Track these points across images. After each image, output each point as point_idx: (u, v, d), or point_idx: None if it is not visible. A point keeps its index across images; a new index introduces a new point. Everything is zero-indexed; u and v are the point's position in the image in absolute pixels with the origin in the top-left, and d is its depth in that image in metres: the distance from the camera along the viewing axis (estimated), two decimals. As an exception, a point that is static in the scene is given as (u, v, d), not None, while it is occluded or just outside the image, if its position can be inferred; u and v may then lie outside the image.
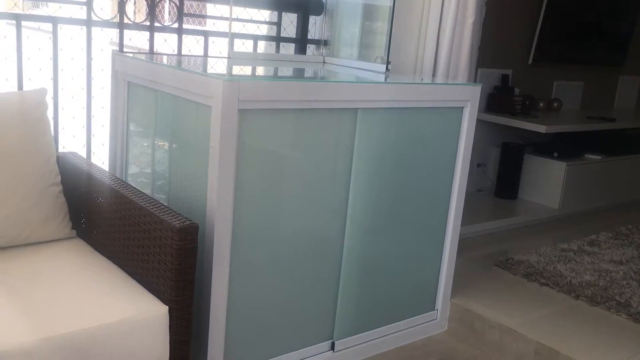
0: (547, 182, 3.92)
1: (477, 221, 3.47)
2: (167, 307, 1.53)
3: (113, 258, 1.76)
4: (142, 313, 1.49)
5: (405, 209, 2.28)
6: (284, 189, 1.91)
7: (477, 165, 4.10)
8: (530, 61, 4.19)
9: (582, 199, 4.03)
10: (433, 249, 2.45)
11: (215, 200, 1.72)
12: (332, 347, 2.20)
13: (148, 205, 1.63)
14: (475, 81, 3.87)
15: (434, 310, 2.52)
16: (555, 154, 3.96)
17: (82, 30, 2.22)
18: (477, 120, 3.92)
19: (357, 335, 2.26)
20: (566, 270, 2.95)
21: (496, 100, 3.94)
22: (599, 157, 4.10)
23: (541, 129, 3.60)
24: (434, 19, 2.78)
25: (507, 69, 4.07)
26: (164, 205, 1.65)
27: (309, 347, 2.13)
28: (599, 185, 4.13)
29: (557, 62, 4.37)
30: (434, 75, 2.81)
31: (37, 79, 2.19)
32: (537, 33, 4.13)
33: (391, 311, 2.36)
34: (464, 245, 3.21)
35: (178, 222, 1.51)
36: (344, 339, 2.22)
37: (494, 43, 3.85)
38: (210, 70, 2.09)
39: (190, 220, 1.53)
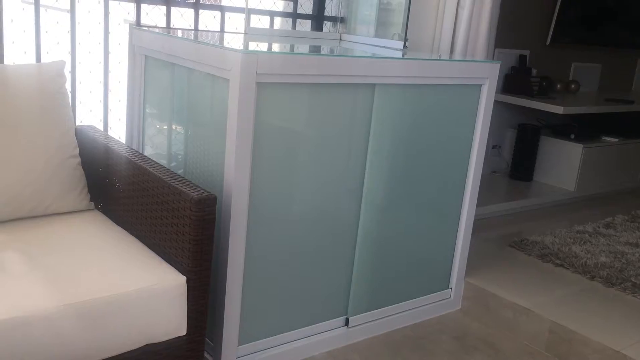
0: (564, 164, 3.89)
1: (492, 202, 3.45)
2: (184, 277, 1.54)
3: (131, 230, 1.77)
4: (160, 282, 1.50)
5: (420, 187, 2.27)
6: (301, 164, 1.91)
7: (492, 147, 4.07)
8: (548, 42, 4.14)
9: (598, 181, 4.00)
10: (448, 228, 2.44)
11: (233, 173, 1.72)
12: (347, 323, 2.21)
13: (166, 177, 1.64)
14: (492, 61, 3.84)
15: (448, 288, 2.53)
16: (572, 136, 3.92)
17: (99, 4, 2.22)
18: (494, 101, 3.91)
19: (371, 312, 2.27)
20: (581, 251, 2.93)
21: (513, 81, 3.90)
22: (616, 140, 4.05)
23: (558, 110, 3.56)
24: (452, -3, 2.75)
25: (524, 49, 4.02)
26: (182, 177, 1.66)
27: (324, 322, 2.15)
28: (615, 168, 4.09)
29: (575, 44, 4.31)
30: (451, 53, 2.79)
31: (55, 53, 2.19)
32: (555, 14, 4.07)
33: (405, 289, 2.37)
34: (479, 225, 3.20)
35: (196, 193, 1.52)
36: (358, 315, 2.23)
37: (512, 23, 3.81)
38: (230, 45, 2.09)
39: (208, 192, 1.54)
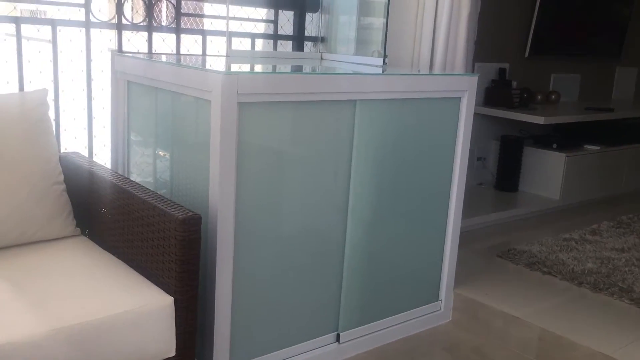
0: (547, 173, 3.94)
1: (479, 214, 3.48)
2: (172, 298, 1.55)
3: (118, 253, 1.78)
4: (148, 304, 1.51)
5: (405, 201, 2.30)
6: (285, 181, 1.93)
7: (477, 159, 4.12)
8: (527, 54, 4.21)
9: (582, 189, 4.04)
10: (434, 240, 2.46)
11: (217, 193, 1.74)
12: (338, 339, 2.21)
13: (151, 198, 1.65)
14: (472, 75, 3.90)
15: (437, 301, 2.54)
16: (555, 146, 3.97)
17: (81, 32, 2.24)
18: (476, 114, 3.94)
19: (362, 327, 2.27)
20: (568, 258, 2.96)
21: (494, 94, 3.96)
22: (597, 148, 4.11)
23: (539, 120, 3.61)
24: (429, 12, 2.80)
25: (504, 62, 4.09)
26: (167, 199, 1.67)
27: (315, 339, 2.15)
28: (599, 176, 4.14)
29: (553, 55, 4.39)
30: (431, 67, 2.83)
31: (37, 82, 2.21)
32: (532, 26, 4.15)
33: (395, 302, 2.38)
34: (466, 237, 3.23)
35: (181, 213, 1.53)
36: (349, 331, 2.23)
37: (490, 37, 3.88)
38: (208, 67, 2.11)
39: (192, 212, 1.55)
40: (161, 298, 1.54)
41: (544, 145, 4.02)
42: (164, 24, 2.42)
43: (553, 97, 4.38)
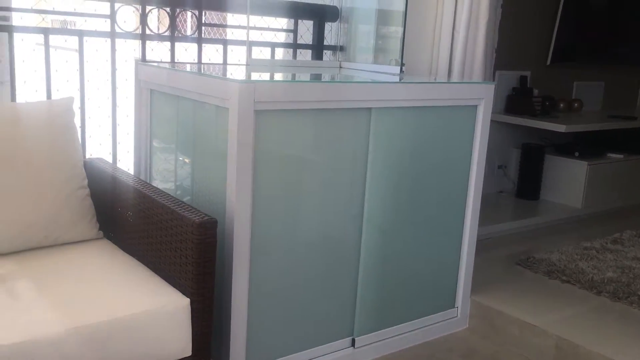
0: (569, 182, 3.92)
1: (499, 222, 3.48)
2: (188, 299, 1.60)
3: (138, 256, 1.84)
4: (165, 305, 1.56)
5: (421, 208, 2.32)
6: (301, 187, 1.97)
7: (497, 167, 4.11)
8: (548, 62, 4.20)
9: (604, 198, 4.01)
10: (451, 247, 2.48)
11: (234, 197, 1.78)
12: (353, 344, 2.24)
13: (169, 203, 1.70)
14: (493, 83, 3.90)
15: (454, 307, 2.55)
16: (577, 154, 3.95)
17: (106, 43, 2.32)
18: (497, 122, 3.96)
19: (377, 332, 2.30)
20: (588, 267, 2.94)
21: (515, 102, 3.95)
22: (620, 156, 4.08)
23: (561, 128, 3.60)
24: (447, 21, 2.83)
25: (525, 70, 4.08)
26: (184, 203, 1.73)
27: (330, 343, 2.18)
28: (621, 184, 4.10)
29: (576, 63, 4.37)
30: (449, 76, 2.86)
31: (64, 90, 2.29)
32: (554, 34, 4.14)
33: (411, 309, 2.40)
34: (486, 245, 3.23)
35: (198, 217, 1.58)
36: (364, 336, 2.26)
37: (511, 45, 3.88)
38: (231, 76, 2.17)
39: (209, 216, 1.60)
40: (178, 299, 1.59)
41: (566, 153, 4.00)
42: (189, 34, 2.49)
43: (576, 105, 4.35)
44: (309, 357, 2.13)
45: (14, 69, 2.18)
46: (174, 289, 1.63)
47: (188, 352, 1.60)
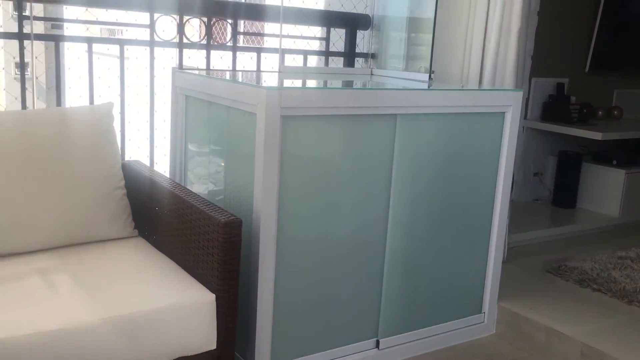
0: (606, 190, 3.86)
1: (533, 229, 3.46)
2: (214, 295, 1.68)
3: (169, 253, 1.93)
4: (192, 300, 1.64)
5: (447, 213, 2.35)
6: (327, 190, 2.03)
7: (533, 174, 4.09)
8: (587, 69, 4.16)
9: (643, 207, 3.94)
10: (477, 254, 2.49)
11: (261, 199, 1.86)
12: (377, 345, 2.28)
13: (198, 203, 1.79)
14: (529, 90, 3.90)
15: (480, 313, 2.56)
16: (614, 162, 3.89)
17: (145, 51, 2.44)
18: (533, 129, 3.95)
19: (401, 335, 2.33)
20: (621, 276, 2.91)
21: (551, 109, 3.93)
22: (660, 165, 4.00)
23: (597, 136, 3.56)
24: (479, 29, 2.85)
25: (563, 77, 4.05)
26: (212, 203, 1.81)
27: (355, 344, 2.23)
28: (660, 193, 4.02)
29: (615, 70, 4.30)
30: (480, 84, 2.87)
31: (106, 95, 2.41)
32: (593, 40, 4.10)
33: (436, 312, 2.42)
34: (520, 252, 3.22)
35: (224, 217, 1.66)
36: (389, 338, 2.30)
37: (548, 52, 3.86)
38: (262, 83, 2.27)
39: (234, 216, 1.68)
40: (204, 295, 1.67)
41: (604, 161, 3.94)
42: (229, 43, 2.58)
43: (615, 112, 4.29)
44: (333, 356, 2.18)
45: (60, 75, 2.32)
46: (201, 285, 1.72)
47: (213, 346, 1.68)
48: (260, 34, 2.81)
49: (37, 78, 2.31)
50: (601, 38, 4.11)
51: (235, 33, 2.61)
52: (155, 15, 2.42)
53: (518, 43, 2.84)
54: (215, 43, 2.58)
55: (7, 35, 2.22)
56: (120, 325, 1.52)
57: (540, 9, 3.66)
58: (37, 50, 2.23)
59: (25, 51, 2.19)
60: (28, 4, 2.17)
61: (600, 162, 3.95)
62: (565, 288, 2.81)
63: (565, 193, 3.98)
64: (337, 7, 3.03)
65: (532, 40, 3.81)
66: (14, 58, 2.25)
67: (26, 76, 2.26)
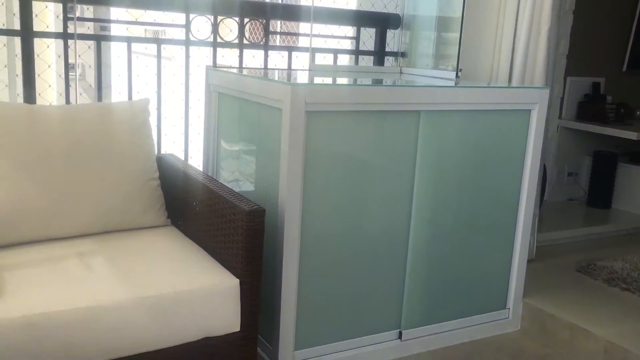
0: (642, 191, 3.82)
1: (567, 228, 3.45)
2: (238, 280, 1.77)
3: (198, 241, 2.03)
4: (217, 283, 1.74)
5: (471, 208, 2.39)
6: (350, 184, 2.10)
7: (567, 174, 4.06)
8: (624, 68, 4.11)
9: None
10: (502, 251, 2.52)
11: (285, 190, 1.95)
12: (400, 336, 2.34)
13: (226, 194, 1.89)
14: (564, 90, 3.88)
15: (505, 309, 2.59)
16: (651, 162, 3.84)
17: (181, 49, 2.56)
18: (567, 128, 3.93)
19: (424, 327, 2.38)
20: (652, 276, 2.89)
21: (586, 109, 3.90)
22: (699, 166, 3.92)
23: (632, 136, 3.53)
24: (508, 28, 2.87)
25: (599, 76, 4.02)
26: (239, 194, 1.90)
27: (377, 334, 2.29)
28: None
29: (654, 69, 4.24)
30: (509, 82, 2.89)
31: (144, 92, 2.54)
32: (631, 39, 4.04)
33: (460, 306, 2.46)
34: (551, 251, 3.22)
35: (247, 206, 1.75)
36: (412, 329, 2.35)
37: (584, 51, 3.84)
38: (292, 81, 2.36)
39: (257, 205, 1.77)
40: (229, 279, 1.76)
41: (640, 161, 3.90)
42: (261, 42, 2.68)
43: (654, 112, 4.22)
44: (357, 345, 2.25)
45: (100, 73, 2.45)
46: (226, 271, 1.81)
47: (237, 328, 1.77)
48: (291, 34, 2.90)
49: (79, 75, 2.45)
50: (639, 37, 4.05)
51: (267, 32, 2.70)
52: (191, 16, 2.53)
53: (548, 42, 2.85)
54: (248, 42, 2.67)
55: (54, 35, 2.36)
56: (151, 305, 1.63)
57: (575, 8, 3.65)
58: (83, 49, 2.37)
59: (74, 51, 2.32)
60: (76, 6, 2.31)
61: (636, 162, 3.91)
62: (594, 287, 2.80)
63: (600, 193, 3.95)
64: (368, 7, 3.10)
65: (567, 40, 3.80)
66: (59, 57, 2.39)
67: (77, 74, 2.40)
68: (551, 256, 3.16)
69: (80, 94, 2.43)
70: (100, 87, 2.44)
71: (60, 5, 2.30)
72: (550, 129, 3.90)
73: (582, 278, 2.91)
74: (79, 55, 2.40)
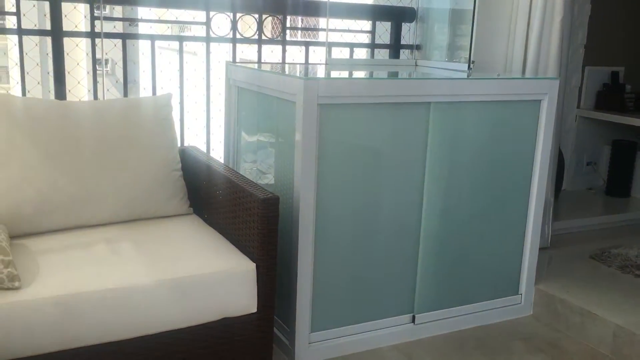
0: (661, 179, 3.83)
1: (584, 216, 3.49)
2: (254, 264, 1.88)
3: (218, 228, 2.15)
4: (235, 267, 1.85)
5: (482, 196, 2.46)
6: (363, 173, 2.19)
7: (586, 163, 4.09)
8: (644, 57, 4.10)
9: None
10: (514, 238, 2.59)
11: (300, 178, 2.05)
12: (413, 320, 2.42)
13: (243, 183, 2.00)
14: (582, 80, 3.91)
15: (517, 294, 2.66)
16: (670, 151, 3.85)
17: (202, 46, 2.67)
18: (586, 118, 3.95)
19: (437, 311, 2.47)
20: (666, 263, 2.92)
21: (605, 98, 3.92)
22: None
23: (650, 124, 3.54)
24: (522, 19, 2.91)
25: (618, 66, 4.02)
26: (255, 183, 2.01)
27: (391, 318, 2.38)
28: None
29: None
30: (523, 73, 2.94)
31: (167, 87, 2.66)
32: (650, 28, 4.04)
33: (472, 292, 2.54)
34: (568, 239, 3.27)
35: (262, 194, 1.86)
36: (424, 313, 2.44)
37: (602, 41, 3.85)
38: (305, 74, 2.45)
39: (272, 194, 1.87)
40: (246, 263, 1.88)
41: (659, 150, 3.90)
42: (282, 37, 2.77)
43: (675, 101, 4.20)
44: (371, 328, 2.34)
45: (126, 70, 2.58)
46: (244, 255, 1.92)
47: (254, 309, 1.88)
48: (308, 29, 2.98)
49: (108, 71, 2.57)
50: (659, 25, 4.04)
51: (284, 28, 2.79)
52: (211, 14, 2.64)
53: (561, 32, 2.89)
54: (266, 38, 2.77)
55: (83, 35, 2.50)
56: (174, 286, 1.75)
57: (592, -2, 3.67)
58: (110, 47, 2.50)
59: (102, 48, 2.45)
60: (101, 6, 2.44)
61: (655, 151, 3.91)
62: (607, 274, 2.85)
63: (619, 182, 3.96)
64: (383, 1, 3.17)
65: (585, 29, 3.82)
66: (87, 54, 2.52)
67: (104, 71, 2.52)
68: (567, 244, 3.20)
69: (108, 89, 2.56)
70: (126, 83, 2.57)
71: (88, 6, 2.43)
72: (568, 118, 3.93)
73: (595, 265, 2.95)
74: (106, 53, 2.52)
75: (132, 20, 2.52)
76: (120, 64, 2.59)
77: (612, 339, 2.36)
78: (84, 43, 2.55)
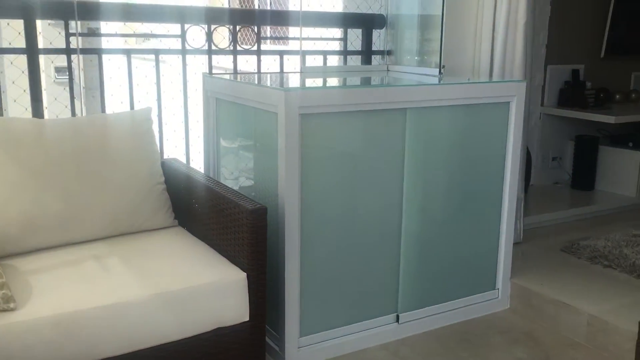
0: (623, 172, 3.99)
1: (552, 210, 3.62)
2: (245, 273, 1.92)
3: (205, 239, 2.18)
4: (226, 277, 1.89)
5: (458, 196, 2.55)
6: (344, 179, 2.25)
7: (552, 159, 4.23)
8: (602, 55, 4.27)
9: (660, 187, 4.04)
10: (489, 235, 2.68)
11: (284, 188, 2.09)
12: (397, 319, 2.49)
13: (229, 194, 2.04)
14: (544, 78, 4.04)
15: (494, 289, 2.75)
16: (630, 144, 4.01)
17: (178, 58, 2.69)
18: (549, 115, 4.09)
19: (420, 310, 2.54)
20: (632, 253, 3.05)
21: (567, 95, 4.07)
22: (677, 146, 4.09)
23: (610, 119, 3.70)
24: (487, 24, 3.02)
25: (578, 64, 4.18)
26: (241, 194, 2.05)
27: (376, 319, 2.45)
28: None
29: (631, 54, 4.40)
30: (490, 75, 3.04)
31: (145, 101, 2.68)
32: (607, 26, 4.20)
33: (452, 289, 2.63)
34: (538, 233, 3.39)
35: (250, 205, 1.90)
36: (408, 312, 2.51)
37: (563, 40, 3.99)
38: (284, 84, 2.50)
39: (260, 204, 1.91)
40: (236, 273, 1.92)
41: (620, 144, 4.07)
42: (257, 47, 2.81)
43: (633, 96, 4.39)
44: (358, 329, 2.40)
45: (103, 84, 2.59)
46: (234, 265, 1.96)
47: (246, 318, 1.92)
48: (281, 38, 3.03)
49: (83, 87, 2.58)
50: (615, 23, 4.21)
51: (259, 38, 2.84)
52: (186, 26, 2.67)
53: (525, 36, 3.00)
54: (241, 48, 2.81)
55: (58, 51, 2.49)
56: (166, 300, 1.78)
57: (552, -1, 3.81)
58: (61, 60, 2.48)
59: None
60: (72, 22, 2.44)
61: (616, 145, 4.08)
62: (577, 265, 2.97)
63: (583, 176, 4.12)
64: (353, 8, 3.24)
65: (546, 30, 3.97)
66: (52, 62, 2.51)
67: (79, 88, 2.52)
68: (537, 238, 3.32)
69: (66, 106, 2.56)
70: (103, 98, 2.58)
71: (62, 23, 2.43)
72: (533, 116, 4.06)
73: (566, 257, 3.07)
74: (81, 69, 2.53)
75: (107, 36, 2.52)
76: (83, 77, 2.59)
77: (586, 327, 2.47)
78: (57, 60, 2.55)
